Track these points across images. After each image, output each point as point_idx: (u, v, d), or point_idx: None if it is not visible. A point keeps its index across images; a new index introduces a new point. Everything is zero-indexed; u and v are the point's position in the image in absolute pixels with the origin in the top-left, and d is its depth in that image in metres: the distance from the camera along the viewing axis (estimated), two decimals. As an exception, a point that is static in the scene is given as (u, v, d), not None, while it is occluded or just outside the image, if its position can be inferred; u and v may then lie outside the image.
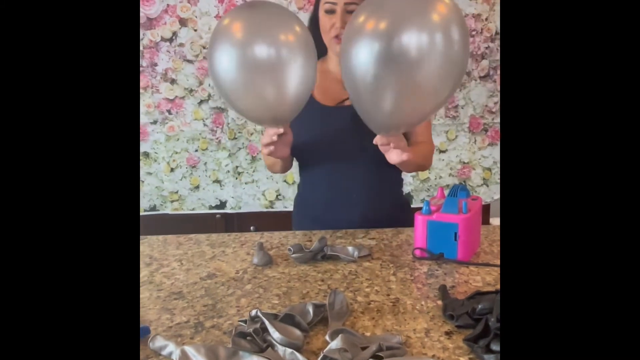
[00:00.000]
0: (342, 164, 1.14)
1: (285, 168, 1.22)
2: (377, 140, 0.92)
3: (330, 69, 1.21)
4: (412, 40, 0.76)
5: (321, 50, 1.21)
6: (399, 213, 1.22)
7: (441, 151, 2.12)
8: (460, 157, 2.12)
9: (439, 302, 0.72)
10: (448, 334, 0.63)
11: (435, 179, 2.14)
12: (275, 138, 0.97)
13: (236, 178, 2.11)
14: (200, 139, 2.07)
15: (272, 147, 0.98)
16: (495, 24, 2.03)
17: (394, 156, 0.94)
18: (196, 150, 2.11)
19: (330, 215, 1.15)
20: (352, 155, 1.13)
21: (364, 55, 0.79)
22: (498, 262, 0.86)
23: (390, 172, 1.20)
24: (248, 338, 0.60)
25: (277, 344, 0.58)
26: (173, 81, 1.95)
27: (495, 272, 0.83)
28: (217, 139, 2.04)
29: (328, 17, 1.11)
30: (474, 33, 2.02)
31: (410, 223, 1.21)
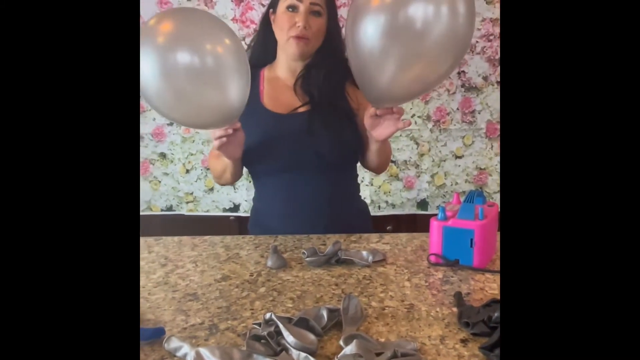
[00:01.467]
0: (296, 172, 1.11)
1: (236, 176, 1.16)
2: (372, 112, 0.92)
3: (279, 75, 1.16)
4: (418, 11, 0.79)
5: (268, 57, 1.17)
6: (357, 219, 1.19)
7: (457, 157, 2.10)
8: (476, 163, 2.10)
9: (454, 309, 0.71)
10: (463, 341, 0.62)
11: (451, 185, 2.12)
12: (230, 131, 0.95)
13: (250, 181, 2.11)
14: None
15: (224, 139, 0.95)
16: (513, 28, 2.01)
17: (388, 125, 0.92)
18: (212, 152, 2.13)
19: (286, 225, 1.12)
20: (306, 163, 1.09)
21: (370, 28, 0.81)
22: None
23: (347, 179, 1.18)
24: (262, 341, 0.60)
25: (291, 348, 0.58)
26: (190, 83, 1.97)
27: (512, 280, 0.82)
28: (233, 141, 2.05)
29: (289, 15, 1.06)
30: (491, 37, 2.01)
31: (369, 229, 1.19)
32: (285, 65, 1.15)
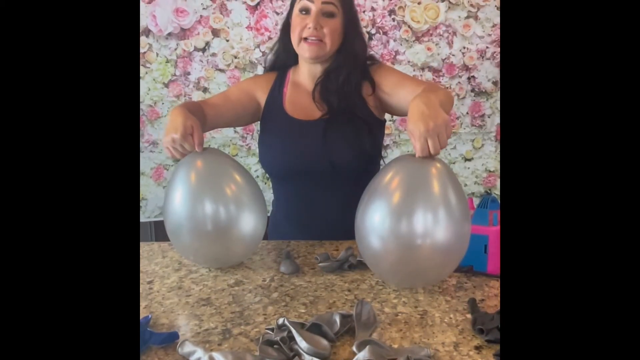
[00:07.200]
0: (312, 181, 1.09)
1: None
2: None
3: (300, 80, 1.15)
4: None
5: (290, 61, 1.15)
6: None
7: (467, 159, 2.10)
8: (486, 166, 2.10)
9: (468, 316, 0.71)
10: (477, 348, 0.62)
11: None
12: (187, 149, 0.89)
13: (265, 183, 2.12)
14: (231, 145, 2.10)
15: (177, 150, 0.89)
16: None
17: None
18: (226, 157, 2.14)
19: (301, 233, 1.11)
20: (322, 173, 1.07)
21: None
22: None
23: (364, 189, 1.15)
24: (275, 346, 0.60)
25: (304, 353, 0.59)
26: (205, 89, 1.99)
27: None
28: (247, 145, 2.06)
29: (301, 17, 1.05)
30: (504, 42, 2.00)
31: None
32: (306, 69, 1.13)
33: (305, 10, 1.05)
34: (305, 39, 1.05)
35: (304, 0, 1.05)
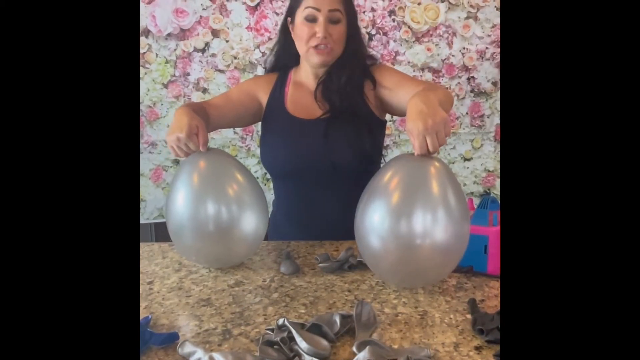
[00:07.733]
0: (313, 181, 1.09)
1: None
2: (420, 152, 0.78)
3: (302, 80, 1.15)
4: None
5: (292, 62, 1.16)
6: None
7: (466, 159, 2.10)
8: (485, 165, 2.10)
9: (468, 316, 0.71)
10: (478, 348, 0.62)
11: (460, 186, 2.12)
12: (192, 148, 0.89)
13: (265, 184, 2.13)
14: (231, 146, 2.10)
15: (181, 149, 0.89)
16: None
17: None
18: (225, 158, 2.14)
19: (302, 233, 1.11)
20: (323, 172, 1.07)
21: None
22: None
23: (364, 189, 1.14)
24: (275, 347, 0.60)
25: (304, 354, 0.59)
26: (205, 90, 1.99)
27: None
28: (246, 146, 2.07)
29: (308, 26, 1.04)
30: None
31: None
32: (309, 70, 1.13)
33: (312, 19, 1.04)
34: (314, 46, 1.05)
35: (310, 9, 1.04)
